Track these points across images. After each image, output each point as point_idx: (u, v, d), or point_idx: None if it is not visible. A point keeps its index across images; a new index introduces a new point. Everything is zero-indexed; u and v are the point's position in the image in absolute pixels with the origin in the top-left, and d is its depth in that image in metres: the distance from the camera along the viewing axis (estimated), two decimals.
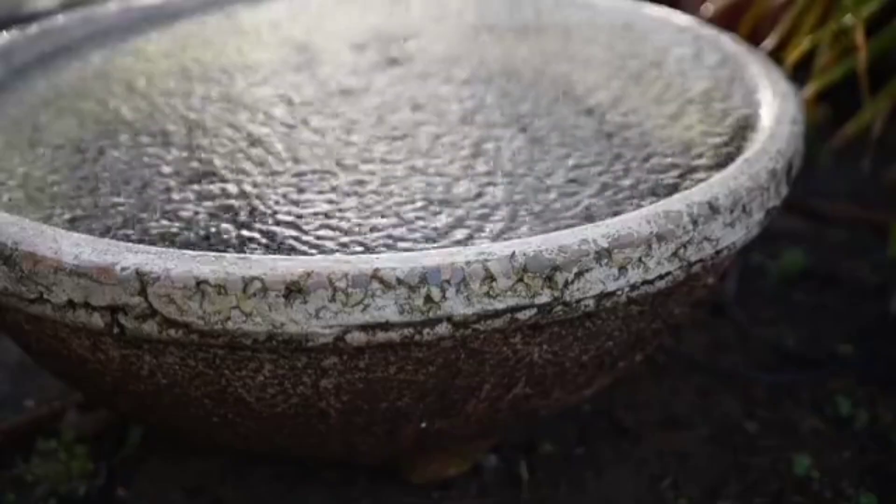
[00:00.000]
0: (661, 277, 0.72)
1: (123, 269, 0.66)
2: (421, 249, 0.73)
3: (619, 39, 1.07)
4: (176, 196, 0.81)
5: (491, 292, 0.67)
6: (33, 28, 1.05)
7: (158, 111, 0.95)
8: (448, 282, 0.66)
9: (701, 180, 0.79)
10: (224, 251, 0.73)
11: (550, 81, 1.00)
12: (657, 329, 0.80)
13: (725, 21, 1.19)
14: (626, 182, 0.82)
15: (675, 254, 0.72)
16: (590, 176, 0.83)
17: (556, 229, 0.74)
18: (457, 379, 0.73)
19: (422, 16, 1.16)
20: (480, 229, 0.76)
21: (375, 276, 0.65)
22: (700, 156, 0.85)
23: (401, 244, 0.75)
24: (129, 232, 0.76)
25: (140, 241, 0.73)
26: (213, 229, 0.77)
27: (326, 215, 0.79)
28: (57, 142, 0.90)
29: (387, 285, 0.65)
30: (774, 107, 0.87)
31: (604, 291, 0.70)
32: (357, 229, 0.77)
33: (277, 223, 0.78)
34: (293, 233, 0.76)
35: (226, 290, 0.65)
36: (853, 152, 1.22)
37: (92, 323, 0.68)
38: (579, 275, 0.68)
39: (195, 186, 0.83)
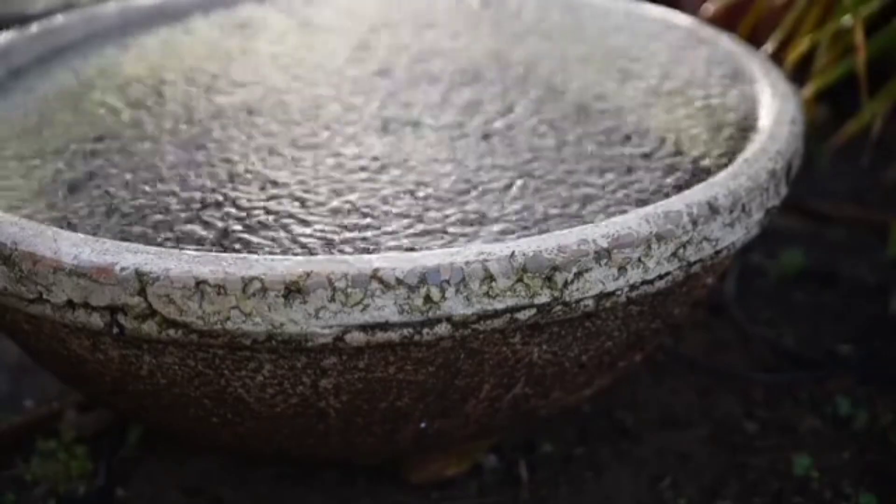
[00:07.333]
0: (660, 277, 0.72)
1: (123, 269, 0.66)
2: (420, 249, 0.73)
3: (616, 39, 1.07)
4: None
5: (490, 292, 0.67)
6: (33, 28, 1.05)
7: (160, 110, 0.95)
8: (447, 282, 0.66)
9: (700, 180, 0.79)
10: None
11: (537, 78, 1.00)
12: (657, 329, 0.80)
13: (725, 21, 1.19)
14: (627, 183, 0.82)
15: (674, 254, 0.72)
16: (588, 176, 0.83)
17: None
18: (456, 379, 0.73)
19: None
20: None
21: (375, 276, 0.65)
22: (699, 156, 0.85)
23: None
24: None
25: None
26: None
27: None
28: (58, 142, 0.89)
29: (386, 285, 0.65)
30: (774, 107, 0.87)
31: (603, 291, 0.70)
32: None
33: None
34: None
35: (225, 290, 0.65)
36: (853, 152, 1.22)
37: (91, 323, 0.68)
38: (579, 275, 0.68)
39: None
